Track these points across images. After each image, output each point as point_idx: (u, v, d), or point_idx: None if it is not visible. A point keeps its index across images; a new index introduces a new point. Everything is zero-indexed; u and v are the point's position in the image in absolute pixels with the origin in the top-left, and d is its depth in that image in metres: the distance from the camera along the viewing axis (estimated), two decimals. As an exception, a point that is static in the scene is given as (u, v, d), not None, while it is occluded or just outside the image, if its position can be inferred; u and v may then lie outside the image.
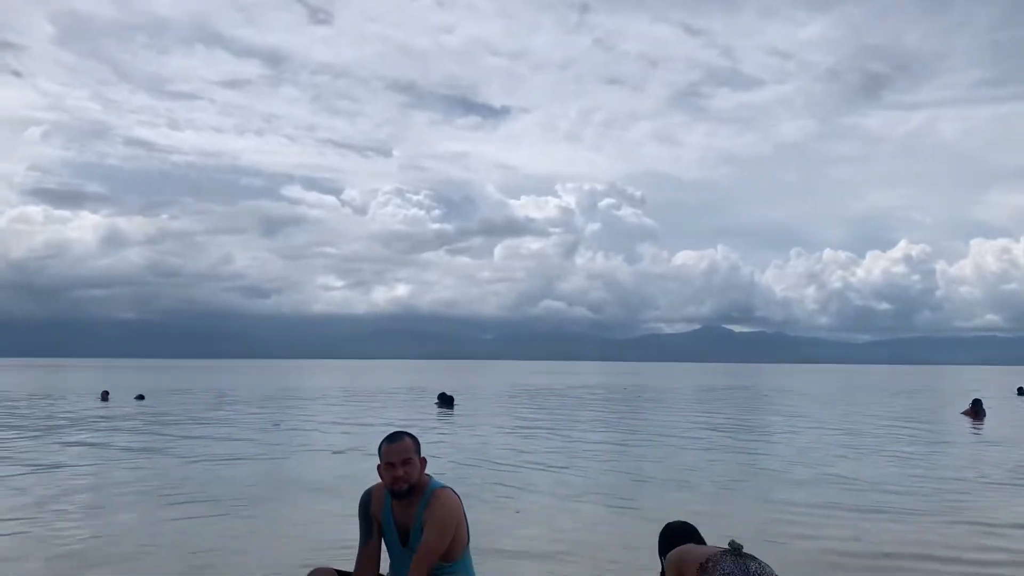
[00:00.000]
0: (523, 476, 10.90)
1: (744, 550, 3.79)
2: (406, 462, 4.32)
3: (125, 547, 6.54)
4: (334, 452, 13.75)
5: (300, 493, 9.43)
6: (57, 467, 11.59)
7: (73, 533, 7.09)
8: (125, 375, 70.49)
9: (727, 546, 3.83)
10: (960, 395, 32.20)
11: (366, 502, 4.51)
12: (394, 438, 4.41)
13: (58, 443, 14.74)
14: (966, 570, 6.10)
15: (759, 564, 3.73)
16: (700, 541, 4.23)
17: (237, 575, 5.70)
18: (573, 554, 6.36)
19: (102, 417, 21.52)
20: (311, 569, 4.49)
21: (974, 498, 9.35)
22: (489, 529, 6.97)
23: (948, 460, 13.29)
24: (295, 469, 11.81)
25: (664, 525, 4.43)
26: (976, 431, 19.31)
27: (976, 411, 23.11)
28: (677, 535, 4.30)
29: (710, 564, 3.72)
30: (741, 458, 13.37)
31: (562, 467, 11.84)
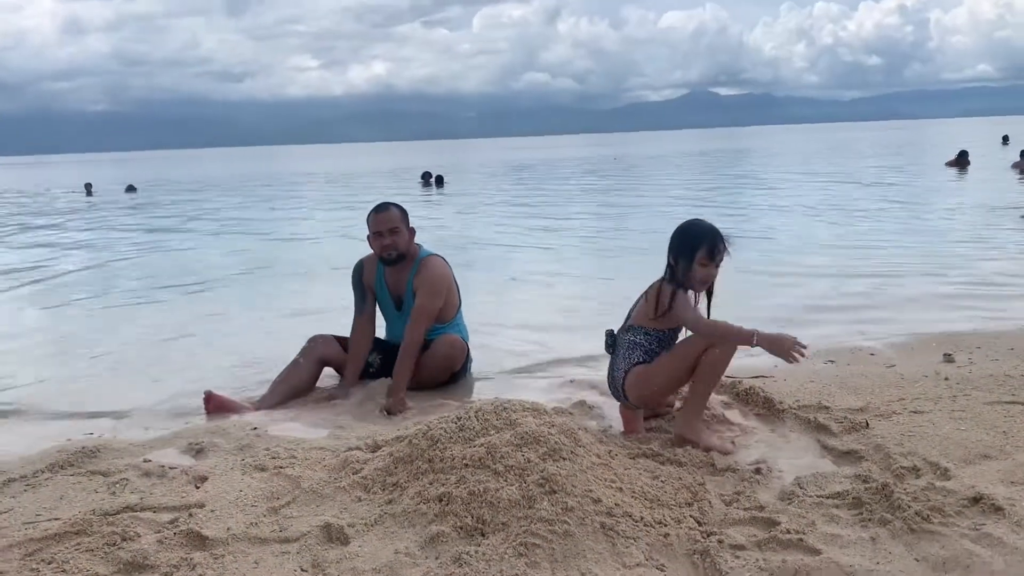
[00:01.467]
0: (516, 249, 11.05)
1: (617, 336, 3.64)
2: (393, 231, 4.45)
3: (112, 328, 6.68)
4: (314, 237, 13.83)
5: (296, 273, 9.55)
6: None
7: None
8: (107, 168, 69.53)
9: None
10: (945, 147, 32.17)
11: (358, 272, 4.68)
12: (381, 208, 4.54)
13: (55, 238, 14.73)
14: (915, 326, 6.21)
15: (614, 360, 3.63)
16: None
17: (230, 347, 5.86)
18: (563, 323, 6.54)
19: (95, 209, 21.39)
20: (311, 336, 4.64)
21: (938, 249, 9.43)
22: (482, 298, 7.13)
23: (919, 212, 13.45)
24: (291, 251, 11.92)
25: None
26: (958, 181, 19.50)
27: (961, 162, 23.19)
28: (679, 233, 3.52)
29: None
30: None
31: (554, 241, 11.96)
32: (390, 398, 4.22)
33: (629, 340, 3.57)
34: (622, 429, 3.66)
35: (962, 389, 4.04)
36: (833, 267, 8.44)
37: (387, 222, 4.45)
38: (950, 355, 4.75)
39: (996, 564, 2.35)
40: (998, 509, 2.64)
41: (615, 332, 3.68)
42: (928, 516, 2.60)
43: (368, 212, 4.57)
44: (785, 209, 14.76)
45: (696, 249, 3.40)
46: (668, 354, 3.51)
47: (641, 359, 3.52)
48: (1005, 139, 38.11)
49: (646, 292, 3.57)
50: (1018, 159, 21.15)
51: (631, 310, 3.68)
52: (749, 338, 3.25)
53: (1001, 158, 26.12)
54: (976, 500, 2.70)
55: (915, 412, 3.71)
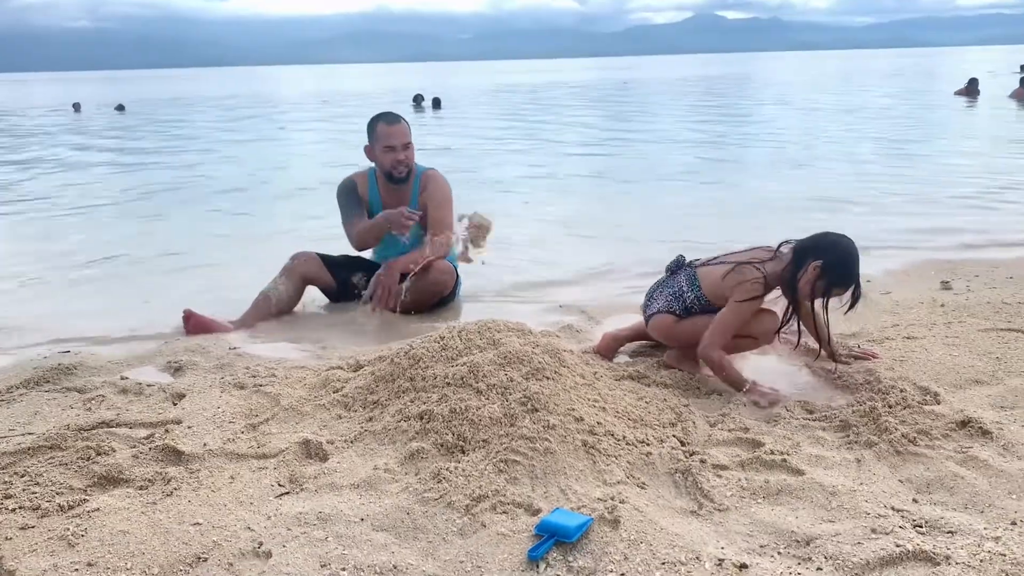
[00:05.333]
0: (522, 171, 10.86)
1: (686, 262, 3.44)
2: (407, 146, 4.25)
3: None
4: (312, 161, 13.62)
5: (288, 194, 9.39)
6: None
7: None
8: (91, 87, 68.20)
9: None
10: (957, 77, 31.55)
11: (350, 187, 4.41)
12: (392, 119, 4.26)
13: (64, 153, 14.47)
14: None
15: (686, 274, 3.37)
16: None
17: (212, 266, 5.81)
18: (558, 249, 6.45)
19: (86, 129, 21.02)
20: (294, 253, 4.52)
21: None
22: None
23: (916, 137, 13.26)
24: (283, 173, 11.73)
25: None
26: (967, 108, 19.18)
27: (970, 90, 22.76)
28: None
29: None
30: (715, 149, 13.38)
31: (558, 166, 11.76)
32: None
33: (681, 289, 3.34)
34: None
35: (957, 316, 3.98)
36: (834, 195, 8.35)
37: (402, 135, 4.22)
38: (947, 282, 4.68)
39: (980, 485, 2.31)
40: (986, 433, 2.60)
41: (684, 260, 3.45)
42: (914, 439, 2.56)
43: (371, 121, 4.29)
44: (778, 134, 14.53)
45: (846, 286, 3.09)
46: (701, 320, 3.25)
47: (676, 311, 3.34)
48: (1023, 67, 37.28)
49: (740, 267, 3.15)
50: (1018, 87, 20.71)
51: (720, 256, 3.34)
52: (741, 385, 3.07)
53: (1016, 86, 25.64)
54: (964, 424, 2.66)
55: (908, 338, 3.65)
